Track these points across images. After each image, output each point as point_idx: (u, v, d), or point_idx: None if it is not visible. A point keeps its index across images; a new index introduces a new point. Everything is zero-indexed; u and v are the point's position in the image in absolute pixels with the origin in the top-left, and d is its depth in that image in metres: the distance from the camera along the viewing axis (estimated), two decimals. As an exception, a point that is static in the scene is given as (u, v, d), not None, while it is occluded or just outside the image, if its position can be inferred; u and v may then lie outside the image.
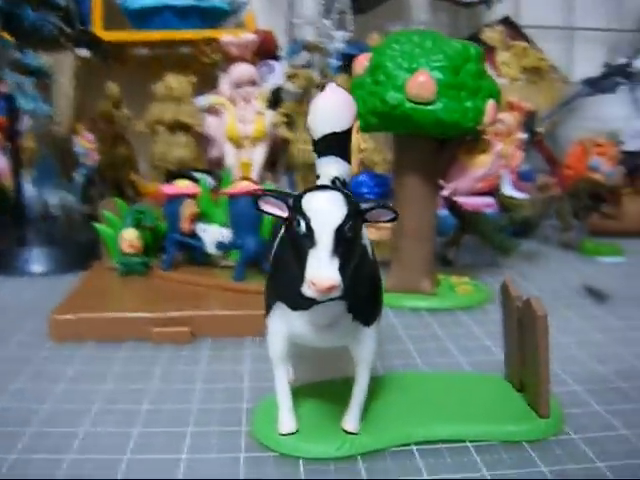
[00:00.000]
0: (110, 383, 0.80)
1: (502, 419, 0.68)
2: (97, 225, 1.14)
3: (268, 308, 0.65)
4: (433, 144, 1.05)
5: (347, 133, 0.68)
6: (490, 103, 1.00)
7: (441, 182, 1.08)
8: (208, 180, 1.24)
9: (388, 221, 0.58)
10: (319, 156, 0.68)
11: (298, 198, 0.56)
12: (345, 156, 0.68)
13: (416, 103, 0.96)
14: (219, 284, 1.04)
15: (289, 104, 1.63)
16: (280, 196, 0.58)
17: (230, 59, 1.65)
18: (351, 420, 0.65)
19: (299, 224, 0.54)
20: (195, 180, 1.18)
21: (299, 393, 0.72)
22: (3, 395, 0.76)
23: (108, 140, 1.63)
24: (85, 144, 1.72)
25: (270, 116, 1.62)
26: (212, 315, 0.94)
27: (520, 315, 0.70)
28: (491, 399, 0.72)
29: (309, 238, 0.53)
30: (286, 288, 0.62)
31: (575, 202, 1.40)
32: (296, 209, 0.55)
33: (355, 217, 0.55)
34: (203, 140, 1.67)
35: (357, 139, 0.72)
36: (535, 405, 0.68)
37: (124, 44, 1.82)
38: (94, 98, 1.61)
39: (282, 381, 0.66)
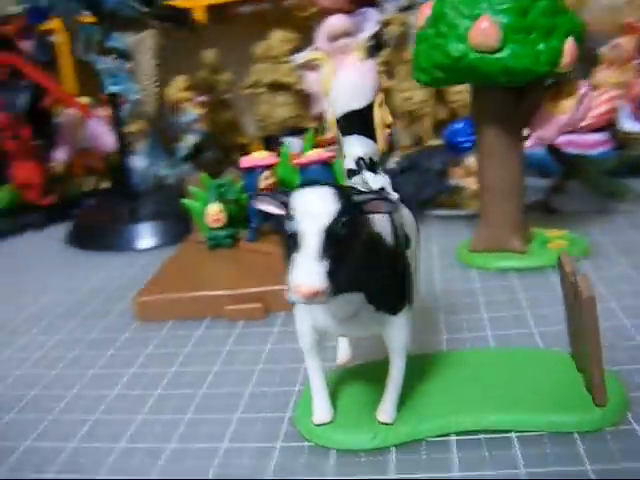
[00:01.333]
0: (177, 366, 0.83)
1: (554, 406, 0.63)
2: (185, 201, 1.17)
3: None
4: (512, 91, 0.96)
5: (368, 109, 0.65)
6: (569, 42, 0.90)
7: (526, 132, 0.99)
8: (296, 145, 1.22)
9: (387, 212, 0.54)
10: (342, 135, 0.66)
11: (290, 196, 0.54)
12: (368, 133, 0.65)
13: (481, 52, 0.88)
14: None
15: (387, 52, 1.57)
16: (277, 194, 0.55)
17: (324, 11, 1.60)
18: (385, 410, 0.63)
19: (289, 224, 0.52)
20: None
21: (338, 378, 0.71)
22: (81, 380, 0.82)
23: (210, 107, 1.65)
24: (196, 110, 1.78)
25: (368, 66, 1.57)
26: (283, 290, 0.94)
27: (574, 292, 0.64)
28: (547, 381, 0.67)
29: (296, 240, 0.51)
30: None
31: None
32: (288, 208, 0.53)
33: (350, 212, 0.52)
34: (306, 97, 1.65)
35: (382, 113, 0.67)
36: (591, 391, 0.62)
37: (226, 4, 1.83)
38: (192, 68, 1.64)
39: (314, 370, 0.65)
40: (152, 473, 0.62)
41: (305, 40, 1.68)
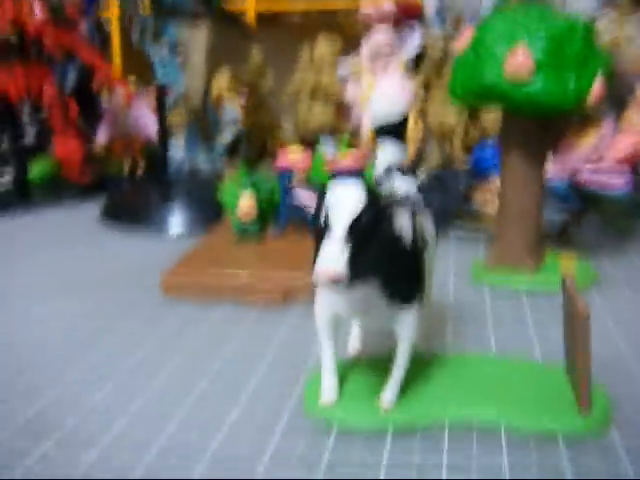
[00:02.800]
0: (190, 338, 0.90)
1: (542, 411, 0.68)
2: (220, 193, 1.24)
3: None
4: (538, 122, 1.02)
5: (403, 123, 0.71)
6: (598, 81, 0.95)
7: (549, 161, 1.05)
8: (331, 149, 1.28)
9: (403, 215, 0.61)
10: (377, 142, 0.72)
11: (325, 190, 0.60)
12: (400, 144, 0.71)
13: (514, 82, 0.94)
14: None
15: (425, 73, 1.62)
16: (315, 189, 0.62)
17: (371, 27, 1.66)
18: (386, 397, 0.69)
19: (322, 215, 0.59)
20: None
21: (348, 367, 0.76)
22: (107, 336, 0.89)
23: (252, 107, 1.72)
24: (239, 107, 1.85)
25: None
26: (303, 282, 1.00)
27: (572, 312, 0.69)
28: (540, 390, 0.72)
29: (327, 228, 0.57)
30: None
31: None
32: (322, 200, 0.59)
33: (375, 209, 0.58)
34: (344, 107, 1.71)
35: (416, 129, 0.72)
36: (577, 403, 0.68)
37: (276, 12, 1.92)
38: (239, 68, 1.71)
39: (326, 352, 0.71)
40: (159, 439, 0.69)
41: (349, 50, 1.75)
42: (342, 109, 1.71)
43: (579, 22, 0.95)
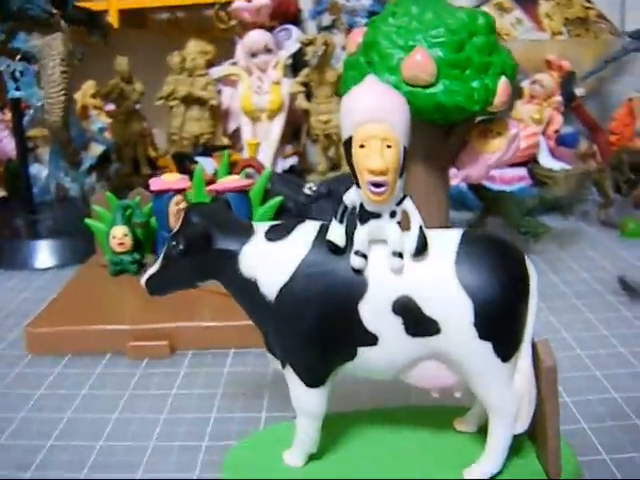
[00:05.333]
0: (71, 412, 0.74)
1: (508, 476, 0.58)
2: (89, 221, 1.08)
3: None
4: (439, 128, 0.94)
5: None
6: (502, 81, 0.87)
7: (453, 170, 0.97)
8: (209, 166, 1.15)
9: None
10: None
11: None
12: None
13: (413, 86, 0.85)
14: (211, 288, 0.96)
15: (307, 72, 1.51)
16: None
17: (245, 25, 1.55)
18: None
19: None
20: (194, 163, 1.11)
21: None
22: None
23: (121, 116, 1.56)
24: (105, 119, 1.68)
25: (287, 86, 1.52)
26: (193, 327, 0.87)
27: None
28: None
29: None
30: None
31: (617, 174, 1.26)
32: None
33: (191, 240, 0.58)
34: (220, 113, 1.58)
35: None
36: (544, 463, 0.58)
37: (144, 9, 1.76)
38: (105, 75, 1.54)
39: None
40: None
41: (222, 53, 1.62)
42: (218, 115, 1.58)
43: (479, 15, 0.87)
